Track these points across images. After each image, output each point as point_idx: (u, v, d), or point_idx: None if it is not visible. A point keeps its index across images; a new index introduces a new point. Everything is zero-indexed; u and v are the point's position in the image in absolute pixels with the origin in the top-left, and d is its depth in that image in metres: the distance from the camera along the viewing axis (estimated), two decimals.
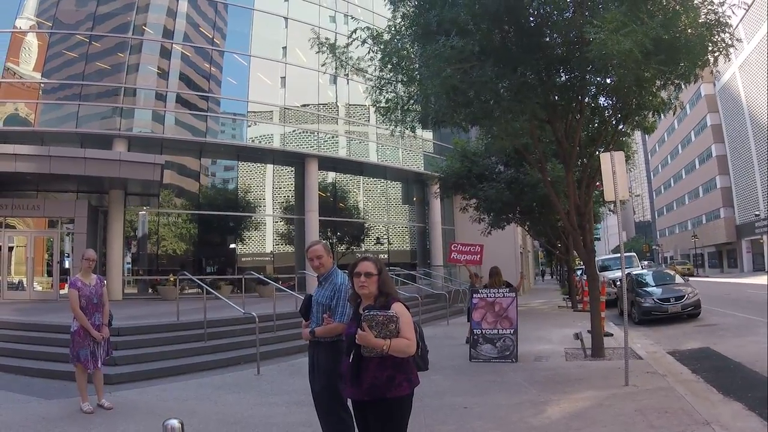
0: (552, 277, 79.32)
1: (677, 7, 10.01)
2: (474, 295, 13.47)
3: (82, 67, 25.89)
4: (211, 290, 14.89)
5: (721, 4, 10.42)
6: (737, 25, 56.02)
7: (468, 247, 19.14)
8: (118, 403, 8.89)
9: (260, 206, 31.42)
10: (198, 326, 13.70)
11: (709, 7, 10.44)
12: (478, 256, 18.55)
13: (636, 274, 23.94)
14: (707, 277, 61.54)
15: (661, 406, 8.01)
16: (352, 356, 4.37)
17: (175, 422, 3.63)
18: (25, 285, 23.95)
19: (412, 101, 12.69)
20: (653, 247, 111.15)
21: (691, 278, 39.98)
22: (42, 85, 25.78)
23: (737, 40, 11.17)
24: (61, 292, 22.91)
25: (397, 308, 4.39)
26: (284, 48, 31.02)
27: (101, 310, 8.70)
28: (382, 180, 36.74)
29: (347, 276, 5.03)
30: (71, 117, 25.31)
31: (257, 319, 12.34)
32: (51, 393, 9.67)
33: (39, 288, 24.32)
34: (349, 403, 4.90)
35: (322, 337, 5.73)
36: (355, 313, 4.66)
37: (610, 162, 10.31)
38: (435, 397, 8.95)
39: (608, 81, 11.61)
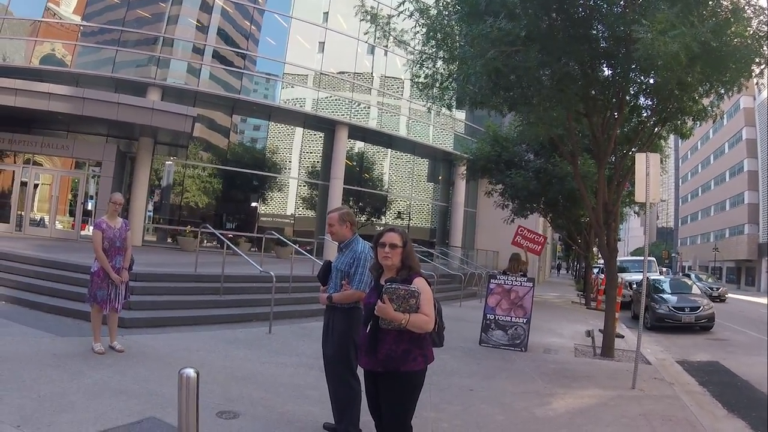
0: (567, 271, 79.11)
1: (728, 15, 9.87)
2: (491, 281, 13.48)
3: (122, 14, 25.96)
4: (231, 245, 14.98)
5: None
6: None
7: (534, 235, 19.57)
8: (129, 346, 8.98)
9: (286, 168, 31.46)
10: (215, 280, 13.82)
11: (761, 17, 10.27)
12: (539, 247, 18.97)
13: (653, 280, 23.75)
14: None
15: (666, 413, 8.01)
16: (369, 327, 4.38)
17: (191, 371, 3.63)
18: (47, 222, 24.30)
19: (451, 79, 12.62)
20: (673, 254, 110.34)
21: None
22: (81, 27, 25.83)
23: None
24: (82, 233, 23.27)
25: (419, 283, 4.39)
26: (325, 13, 30.86)
27: (123, 253, 8.77)
28: (410, 155, 36.57)
29: (371, 245, 5.03)
30: (108, 62, 25.42)
31: (274, 279, 12.42)
32: (64, 330, 9.81)
33: (60, 227, 24.65)
34: (360, 372, 4.93)
35: (339, 303, 5.77)
36: (376, 284, 4.66)
37: (644, 163, 10.18)
38: (443, 376, 8.97)
39: (651, 81, 11.48)
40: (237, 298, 13.78)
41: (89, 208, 24.99)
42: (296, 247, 17.80)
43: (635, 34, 8.76)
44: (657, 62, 8.90)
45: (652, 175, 10.15)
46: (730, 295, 42.88)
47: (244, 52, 28.42)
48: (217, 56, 27.77)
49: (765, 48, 10.29)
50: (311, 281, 15.09)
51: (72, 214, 25.30)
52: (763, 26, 10.27)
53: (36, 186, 25.13)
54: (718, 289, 40.37)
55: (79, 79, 24.90)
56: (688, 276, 41.28)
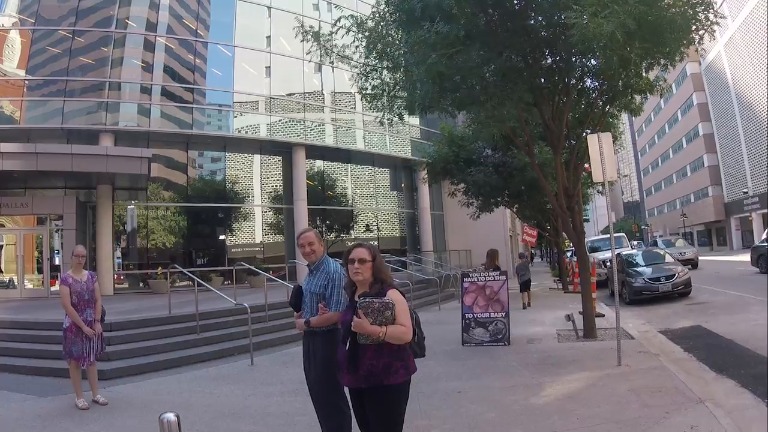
0: (542, 259, 79.60)
1: None
2: (464, 279, 13.50)
3: (66, 63, 25.73)
4: (202, 282, 14.86)
5: None
6: (721, 3, 56.07)
7: (531, 230, 30.03)
8: (113, 398, 8.88)
9: (249, 197, 31.39)
10: (190, 319, 13.69)
11: None
12: (533, 238, 30.04)
13: (626, 255, 24.05)
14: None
15: (655, 385, 8.06)
16: (348, 344, 4.38)
17: (171, 416, 3.62)
18: (16, 283, 23.87)
19: (398, 88, 12.67)
20: (642, 227, 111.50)
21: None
22: (26, 81, 25.63)
23: (722, 17, 11.17)
24: (52, 288, 22.87)
25: (393, 295, 4.40)
26: (268, 37, 30.90)
27: (93, 305, 8.68)
28: (370, 167, 36.76)
29: (341, 263, 5.03)
30: (57, 113, 25.17)
31: (249, 310, 12.36)
32: (45, 390, 9.66)
33: (30, 285, 24.24)
34: (346, 390, 4.91)
35: (318, 327, 5.65)
36: (350, 301, 4.66)
37: (597, 143, 10.32)
38: (429, 382, 8.97)
39: (593, 63, 11.60)
40: (215, 334, 13.64)
41: (56, 263, 24.60)
42: (268, 274, 17.73)
43: (569, 20, 8.85)
44: (595, 44, 9.00)
45: (606, 154, 10.28)
46: (702, 257, 42.52)
47: (192, 86, 28.30)
48: (165, 94, 27.64)
49: (701, 14, 10.45)
50: (287, 307, 14.94)
51: (40, 271, 24.87)
52: None
53: (0, 247, 24.73)
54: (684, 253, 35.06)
55: (31, 134, 24.67)
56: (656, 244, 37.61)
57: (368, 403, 4.44)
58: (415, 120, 35.25)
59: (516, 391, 8.43)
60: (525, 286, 20.59)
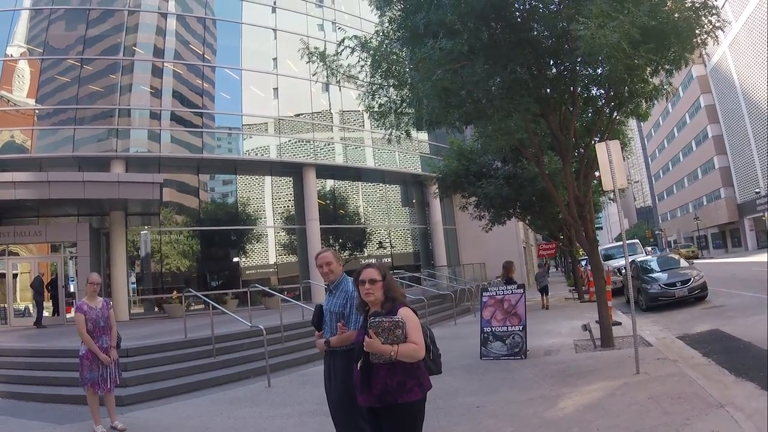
0: (557, 269, 79.25)
1: None
2: (483, 294, 13.50)
3: (75, 91, 26.02)
4: (217, 305, 14.88)
5: None
6: (723, 5, 56.04)
7: (548, 245, 34.81)
8: (131, 424, 8.90)
9: (261, 218, 31.51)
10: (206, 342, 13.69)
11: None
12: (553, 250, 34.37)
13: (641, 261, 23.85)
14: (712, 258, 61.37)
15: (674, 391, 7.99)
16: (361, 363, 4.38)
17: None
18: (32, 311, 23.94)
19: (405, 104, 12.69)
20: (656, 232, 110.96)
21: (696, 261, 39.64)
22: (36, 111, 25.93)
23: (726, 23, 11.15)
24: (68, 316, 22.96)
25: (404, 313, 4.39)
26: (274, 59, 31.15)
27: (108, 332, 8.71)
28: (381, 184, 36.84)
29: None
30: (67, 141, 25.43)
31: (265, 332, 12.35)
32: (63, 418, 9.68)
33: (45, 313, 24.28)
34: None
35: (338, 346, 5.60)
36: (364, 320, 4.66)
37: (606, 151, 10.31)
38: (447, 397, 8.93)
39: (599, 71, 11.59)
40: (231, 357, 13.62)
41: (71, 290, 24.70)
42: (282, 295, 17.74)
43: (575, 32, 8.86)
44: (600, 55, 8.99)
45: (615, 162, 10.27)
46: (718, 260, 41.98)
47: (201, 110, 28.51)
48: (175, 118, 27.90)
49: (704, 18, 10.43)
50: (302, 327, 15.06)
51: (55, 298, 25.00)
52: None
53: (15, 276, 24.84)
54: None
55: (42, 163, 24.94)
56: None
57: (384, 422, 4.42)
58: (423, 135, 35.34)
59: (534, 403, 8.38)
60: (543, 291, 24.62)
